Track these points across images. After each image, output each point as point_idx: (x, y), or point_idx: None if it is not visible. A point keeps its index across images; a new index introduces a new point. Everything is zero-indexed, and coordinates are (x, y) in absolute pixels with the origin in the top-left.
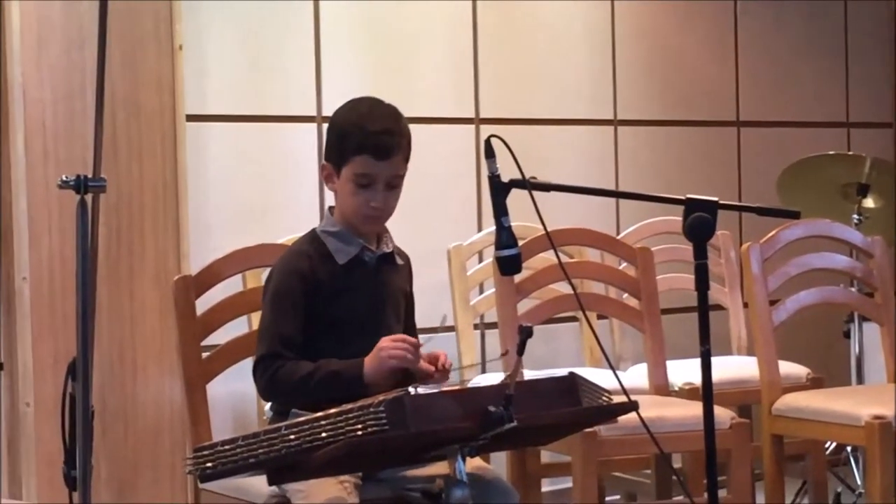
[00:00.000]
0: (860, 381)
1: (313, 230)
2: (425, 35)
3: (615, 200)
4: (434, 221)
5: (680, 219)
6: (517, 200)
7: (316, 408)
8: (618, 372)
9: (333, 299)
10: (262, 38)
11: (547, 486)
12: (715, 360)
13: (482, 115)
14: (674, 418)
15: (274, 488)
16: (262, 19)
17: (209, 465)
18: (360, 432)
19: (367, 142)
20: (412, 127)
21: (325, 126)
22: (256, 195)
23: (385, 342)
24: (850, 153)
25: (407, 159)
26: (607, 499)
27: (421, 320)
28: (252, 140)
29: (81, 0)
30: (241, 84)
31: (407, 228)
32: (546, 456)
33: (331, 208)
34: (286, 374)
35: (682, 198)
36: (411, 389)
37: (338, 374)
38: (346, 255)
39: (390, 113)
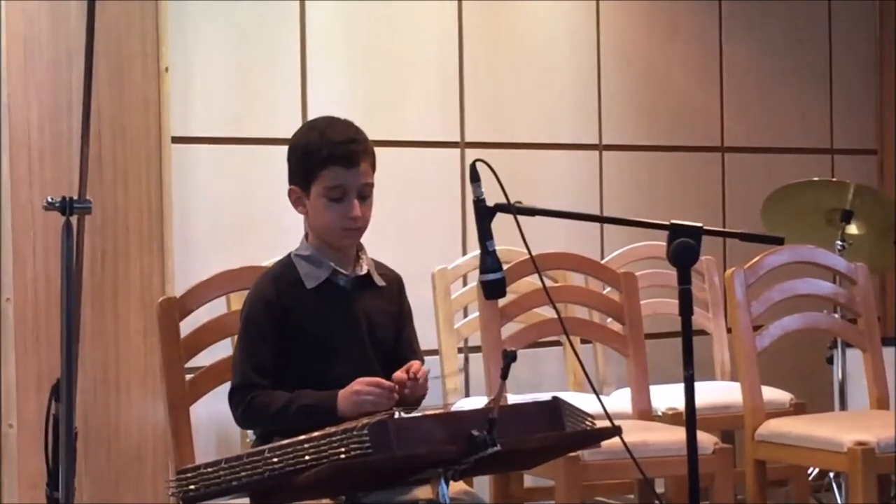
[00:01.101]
0: (843, 407)
1: (288, 255)
2: (411, 59)
3: (600, 225)
4: (419, 245)
5: (664, 244)
6: (502, 224)
7: (296, 435)
8: (601, 396)
9: (303, 324)
10: (248, 60)
11: None
12: (698, 386)
13: (467, 139)
14: (657, 443)
15: None
16: (249, 42)
17: (192, 487)
18: (343, 455)
19: (334, 152)
20: (397, 150)
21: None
22: (241, 217)
23: (360, 385)
24: (834, 179)
25: (373, 168)
26: None
27: None
28: (237, 162)
29: (68, 20)
30: (226, 106)
31: (391, 251)
32: (529, 480)
33: (306, 234)
34: (261, 405)
35: (667, 223)
36: (395, 413)
37: (313, 407)
38: (316, 280)
39: (349, 125)
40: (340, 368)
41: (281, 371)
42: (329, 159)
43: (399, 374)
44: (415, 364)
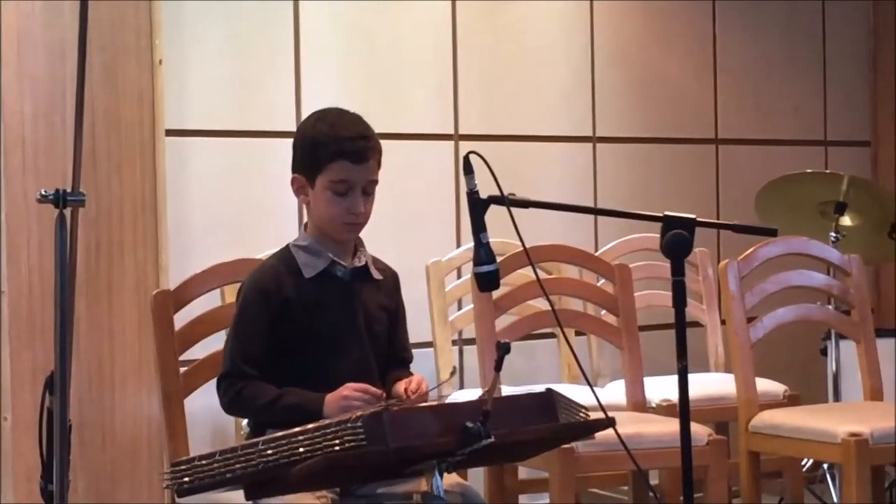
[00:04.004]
0: (837, 398)
1: (287, 245)
2: (406, 51)
3: (593, 217)
4: (413, 237)
5: (658, 236)
6: (496, 217)
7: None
8: (595, 388)
9: (301, 314)
10: (242, 52)
11: (524, 501)
12: (692, 377)
13: (461, 132)
14: (651, 435)
15: (251, 503)
16: (243, 34)
17: (186, 479)
18: (337, 447)
19: (343, 147)
20: (392, 143)
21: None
22: (236, 210)
23: (348, 391)
24: (828, 171)
25: (379, 165)
26: None
27: None
28: (232, 155)
29: (62, 13)
30: (220, 99)
31: (386, 244)
32: (524, 472)
33: (306, 224)
34: (249, 396)
35: (660, 215)
36: (390, 405)
37: (299, 407)
38: (314, 269)
39: (359, 120)
40: (336, 358)
41: (272, 361)
42: (338, 154)
43: (399, 389)
44: (415, 379)
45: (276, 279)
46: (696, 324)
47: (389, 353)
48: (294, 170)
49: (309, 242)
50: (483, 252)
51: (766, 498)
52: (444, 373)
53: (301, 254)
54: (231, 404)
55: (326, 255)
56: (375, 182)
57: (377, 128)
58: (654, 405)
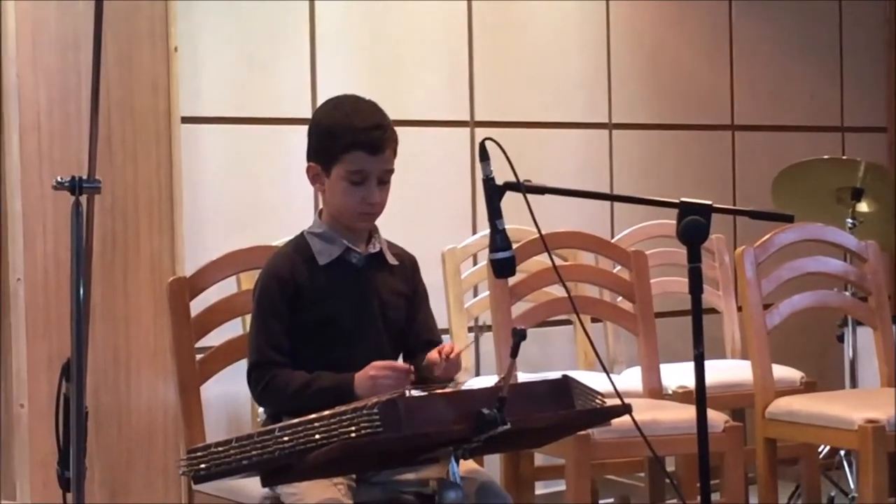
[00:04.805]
0: (853, 385)
1: (301, 232)
2: (420, 38)
3: (610, 204)
4: (428, 224)
5: (674, 222)
6: (512, 203)
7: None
8: (611, 375)
9: (316, 300)
10: (256, 39)
11: (540, 488)
12: (709, 364)
13: (477, 119)
14: (667, 421)
15: (267, 490)
16: (257, 21)
17: (203, 466)
18: (353, 434)
19: (359, 138)
20: (407, 130)
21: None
22: (251, 197)
23: (375, 370)
24: (845, 157)
25: (395, 154)
26: (600, 502)
27: None
28: (247, 142)
29: (77, 1)
30: (235, 86)
31: (401, 231)
32: (539, 459)
33: (320, 211)
34: (280, 384)
35: (676, 201)
36: (406, 392)
37: (330, 390)
38: (329, 256)
39: (376, 108)
40: (351, 345)
41: (296, 346)
42: (354, 144)
43: (432, 354)
44: (446, 346)
45: (290, 266)
46: (713, 310)
47: (412, 335)
48: (309, 158)
49: (323, 230)
50: (499, 239)
51: (782, 485)
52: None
53: (315, 241)
54: (263, 394)
55: (341, 241)
56: (391, 171)
57: (392, 115)
58: (670, 392)
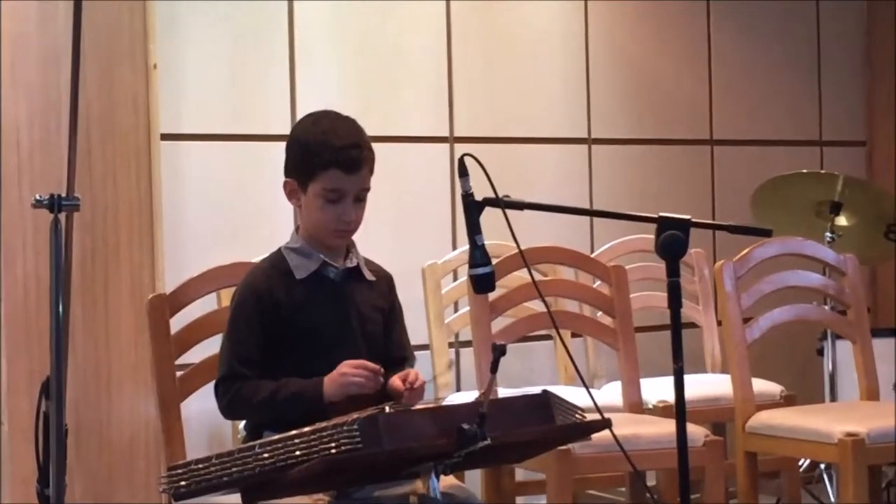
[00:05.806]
0: (833, 398)
1: (279, 248)
2: (401, 54)
3: (589, 219)
4: (409, 240)
5: (653, 237)
6: (491, 219)
7: (288, 428)
8: (592, 390)
9: (293, 315)
10: (237, 56)
11: (521, 503)
12: (688, 378)
13: (456, 134)
14: (648, 436)
15: None
16: (238, 38)
17: (183, 483)
18: (333, 450)
19: (335, 156)
20: (387, 146)
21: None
22: (231, 213)
23: (346, 367)
24: (823, 171)
25: (372, 172)
26: None
27: None
28: (227, 159)
29: (57, 18)
30: (215, 103)
31: (381, 246)
32: (520, 474)
33: (297, 227)
34: (247, 395)
35: (655, 216)
36: (386, 408)
37: (299, 394)
38: (306, 271)
39: (354, 126)
40: (330, 359)
41: (269, 362)
42: (331, 162)
43: (396, 382)
44: (411, 373)
45: (267, 281)
46: (693, 324)
47: (388, 354)
48: (287, 174)
49: (300, 245)
50: (478, 254)
51: (763, 498)
52: (440, 377)
53: (293, 256)
54: (230, 406)
55: (318, 256)
56: (367, 190)
57: (372, 131)
58: (650, 406)
